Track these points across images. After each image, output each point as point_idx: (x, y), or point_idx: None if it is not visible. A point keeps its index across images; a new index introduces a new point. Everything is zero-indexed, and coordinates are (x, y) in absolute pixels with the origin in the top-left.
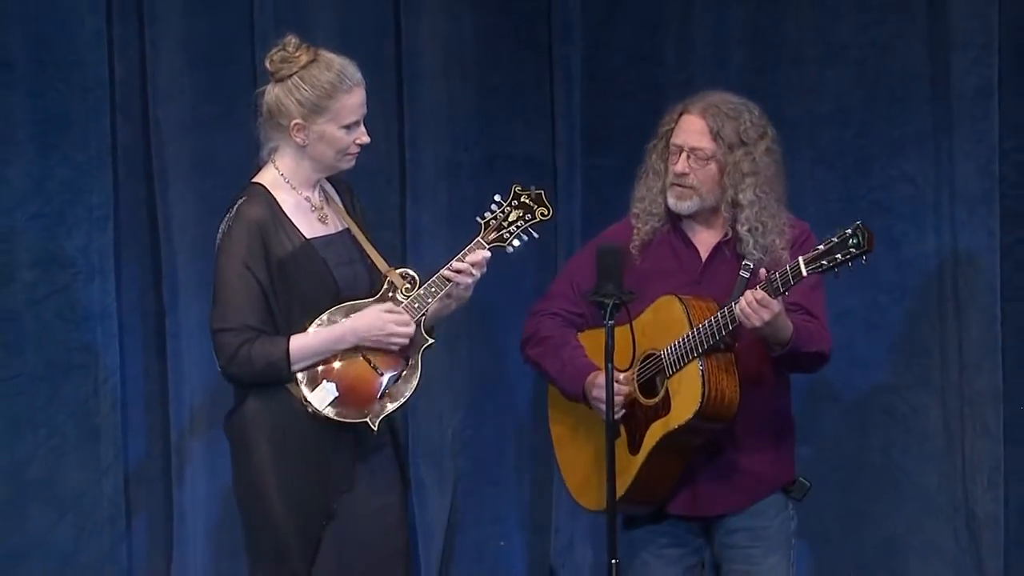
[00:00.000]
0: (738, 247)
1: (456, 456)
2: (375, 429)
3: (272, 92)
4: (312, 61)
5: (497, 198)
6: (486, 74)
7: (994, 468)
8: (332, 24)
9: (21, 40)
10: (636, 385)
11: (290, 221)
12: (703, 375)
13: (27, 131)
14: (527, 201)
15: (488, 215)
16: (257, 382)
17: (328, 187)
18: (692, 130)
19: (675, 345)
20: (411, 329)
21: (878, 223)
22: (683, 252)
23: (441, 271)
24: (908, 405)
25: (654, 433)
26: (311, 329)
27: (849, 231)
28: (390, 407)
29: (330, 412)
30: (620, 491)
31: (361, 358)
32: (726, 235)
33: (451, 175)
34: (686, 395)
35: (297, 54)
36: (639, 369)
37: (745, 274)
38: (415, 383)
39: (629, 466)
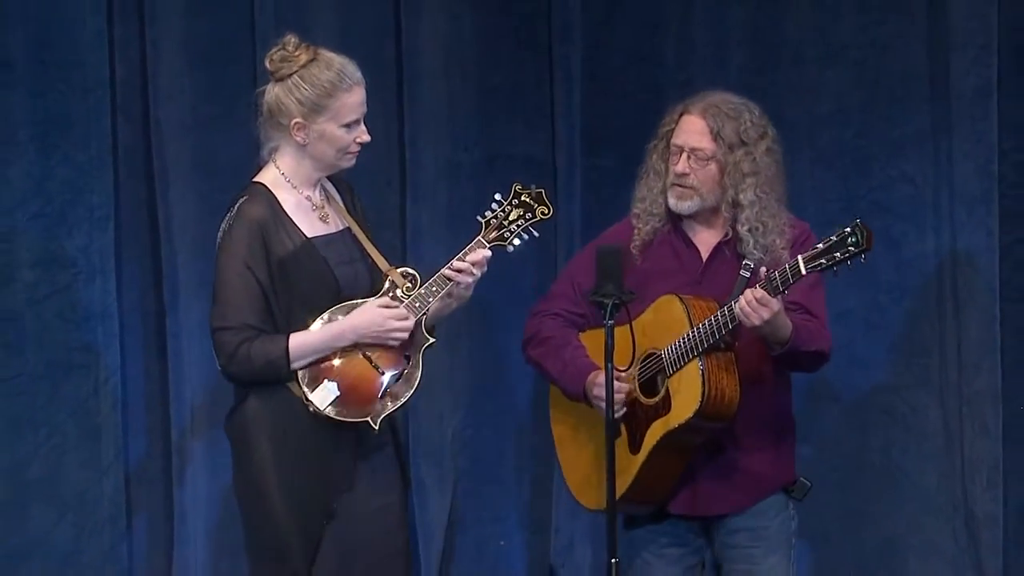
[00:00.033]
0: (738, 247)
1: (456, 456)
2: (376, 428)
3: (272, 91)
4: (312, 60)
5: (498, 197)
6: (486, 74)
7: (993, 468)
8: (332, 24)
9: (22, 40)
10: (637, 384)
11: (291, 220)
12: (703, 374)
13: (28, 131)
14: (528, 200)
15: (489, 214)
16: (257, 380)
17: (329, 186)
18: (692, 130)
19: (675, 344)
20: (410, 323)
21: (878, 223)
22: (684, 252)
23: (442, 270)
24: (908, 405)
25: (655, 432)
26: (313, 328)
27: (848, 230)
28: (391, 406)
29: (331, 411)
30: (621, 490)
31: (362, 356)
32: (726, 235)
33: (451, 175)
34: (686, 394)
35: (297, 53)
36: (640, 368)
37: (745, 274)
38: (416, 382)
39: (630, 465)
